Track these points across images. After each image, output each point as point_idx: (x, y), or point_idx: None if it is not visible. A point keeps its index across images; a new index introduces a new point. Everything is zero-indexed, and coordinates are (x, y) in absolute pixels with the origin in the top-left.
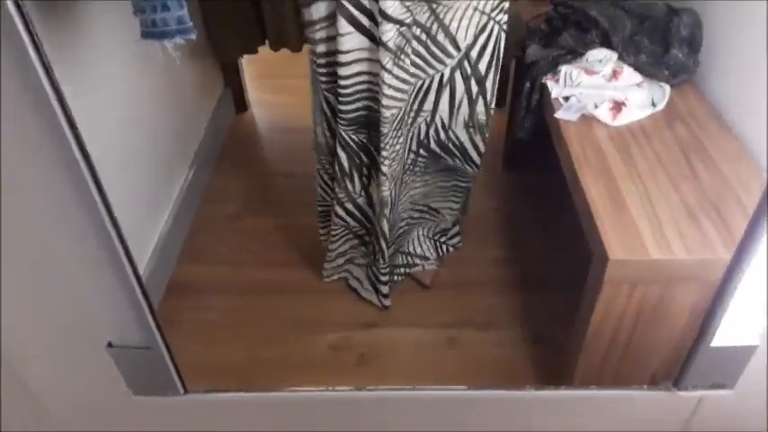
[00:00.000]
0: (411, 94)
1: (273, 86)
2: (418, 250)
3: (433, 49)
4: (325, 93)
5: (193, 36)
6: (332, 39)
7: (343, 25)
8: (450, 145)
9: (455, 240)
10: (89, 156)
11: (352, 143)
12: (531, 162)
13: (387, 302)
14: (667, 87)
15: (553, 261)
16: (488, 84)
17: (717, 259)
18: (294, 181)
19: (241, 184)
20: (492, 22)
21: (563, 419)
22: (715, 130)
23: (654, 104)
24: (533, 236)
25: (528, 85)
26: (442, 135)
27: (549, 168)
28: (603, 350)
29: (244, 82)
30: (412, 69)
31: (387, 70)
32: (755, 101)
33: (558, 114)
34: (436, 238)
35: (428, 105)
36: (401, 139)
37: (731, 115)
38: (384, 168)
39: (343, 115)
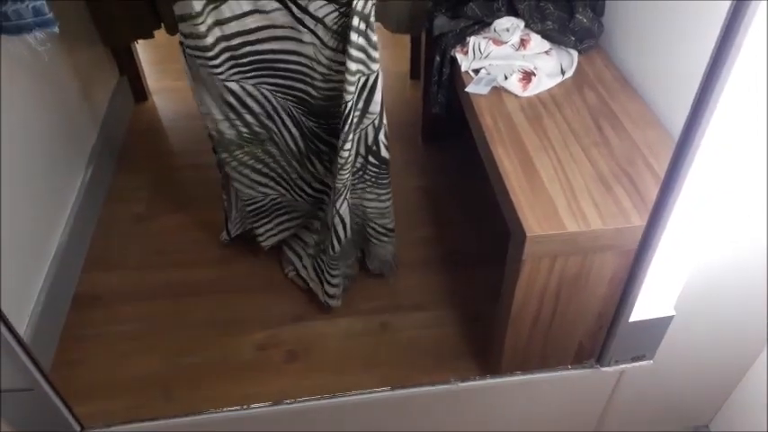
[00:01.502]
0: (355, 92)
1: (174, 72)
2: (377, 268)
3: (374, 39)
4: (227, 83)
5: (56, 28)
6: (224, 23)
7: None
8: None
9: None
10: None
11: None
12: (450, 135)
13: (334, 303)
14: (575, 54)
15: (478, 237)
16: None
17: (631, 227)
18: (203, 172)
19: (146, 180)
20: None
21: (492, 406)
22: (622, 95)
23: (563, 72)
24: (456, 212)
25: (438, 58)
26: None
27: (468, 140)
28: (529, 324)
29: (141, 69)
30: (354, 67)
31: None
32: (659, 64)
33: (469, 89)
34: (390, 259)
35: (375, 107)
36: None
37: (637, 79)
38: (343, 153)
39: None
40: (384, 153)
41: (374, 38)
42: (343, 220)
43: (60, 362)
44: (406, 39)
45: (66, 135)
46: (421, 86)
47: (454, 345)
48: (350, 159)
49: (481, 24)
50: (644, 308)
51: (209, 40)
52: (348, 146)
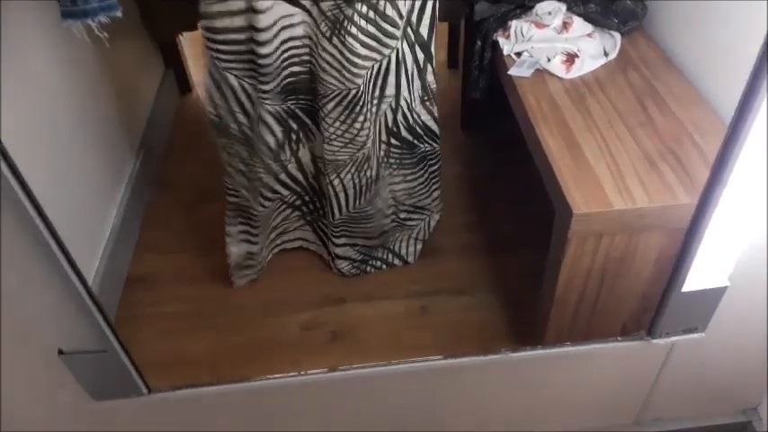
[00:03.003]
0: (368, 79)
1: None
2: (402, 251)
3: (384, 25)
4: (228, 72)
5: (119, 13)
6: (235, 14)
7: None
8: (417, 128)
9: None
10: (17, 170)
11: (282, 112)
12: (489, 121)
13: (343, 265)
14: (618, 36)
15: (521, 220)
16: (432, 47)
17: (678, 205)
18: None
19: (194, 169)
20: None
21: (541, 378)
22: (667, 75)
23: (606, 54)
24: (499, 197)
25: (479, 43)
26: (410, 119)
27: (508, 126)
28: (574, 304)
29: (185, 62)
30: (363, 51)
31: (325, 39)
32: (703, 43)
33: (512, 71)
34: (421, 237)
35: (390, 90)
36: (356, 125)
37: (681, 59)
38: (327, 135)
39: (265, 94)
40: (405, 134)
41: (385, 26)
42: (345, 189)
43: None
44: (443, 28)
45: (118, 124)
46: (459, 75)
47: (496, 329)
48: (360, 135)
49: (523, 8)
50: (697, 278)
51: (219, 23)
52: (358, 125)
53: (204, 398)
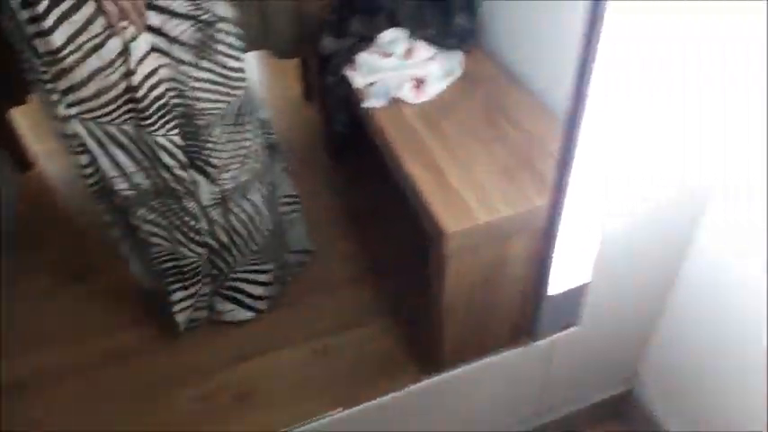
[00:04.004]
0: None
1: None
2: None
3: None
4: (110, 129)
5: None
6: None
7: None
8: None
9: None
10: None
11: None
12: (356, 150)
13: (261, 306)
14: (459, 54)
15: (399, 244)
16: None
17: (536, 207)
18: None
19: (47, 251)
20: None
21: (439, 404)
22: (512, 89)
23: (451, 73)
24: (374, 223)
25: (330, 78)
26: None
27: (373, 155)
28: (463, 317)
29: (22, 137)
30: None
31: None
32: (538, 53)
33: (366, 104)
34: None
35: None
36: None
37: (520, 71)
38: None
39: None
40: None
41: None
42: (259, 212)
43: None
44: (296, 63)
45: None
46: (317, 107)
47: (398, 353)
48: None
49: (367, 40)
50: (561, 279)
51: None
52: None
53: None
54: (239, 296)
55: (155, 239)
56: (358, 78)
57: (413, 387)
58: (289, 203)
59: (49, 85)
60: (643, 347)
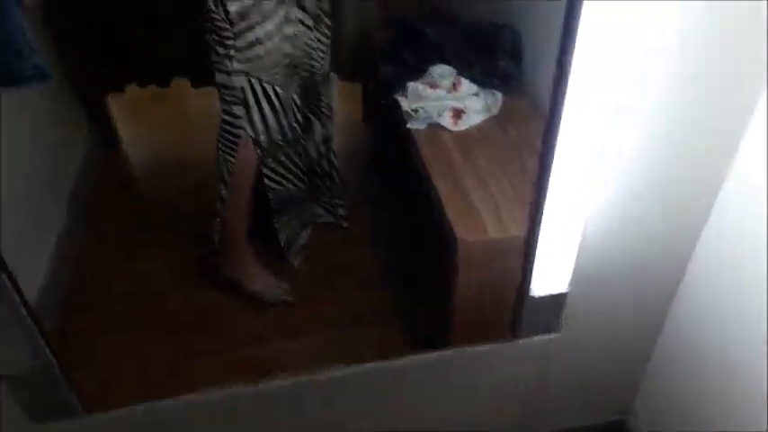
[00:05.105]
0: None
1: (145, 120)
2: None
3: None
4: (266, 84)
5: (52, 81)
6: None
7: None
8: None
9: None
10: None
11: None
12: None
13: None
14: (499, 94)
15: (418, 252)
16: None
17: None
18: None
19: (123, 223)
20: None
21: (436, 380)
22: (541, 129)
23: (489, 110)
24: (399, 235)
25: (383, 101)
26: None
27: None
28: (475, 306)
29: (112, 119)
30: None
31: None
32: None
33: (410, 125)
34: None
35: None
36: None
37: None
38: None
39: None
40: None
41: None
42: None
43: None
44: (357, 88)
45: (43, 184)
46: (372, 127)
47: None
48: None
49: (419, 72)
50: (542, 284)
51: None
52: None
53: (143, 416)
54: (333, 209)
55: (273, 184)
56: (406, 103)
57: (408, 358)
58: None
59: (229, 42)
60: (637, 378)
